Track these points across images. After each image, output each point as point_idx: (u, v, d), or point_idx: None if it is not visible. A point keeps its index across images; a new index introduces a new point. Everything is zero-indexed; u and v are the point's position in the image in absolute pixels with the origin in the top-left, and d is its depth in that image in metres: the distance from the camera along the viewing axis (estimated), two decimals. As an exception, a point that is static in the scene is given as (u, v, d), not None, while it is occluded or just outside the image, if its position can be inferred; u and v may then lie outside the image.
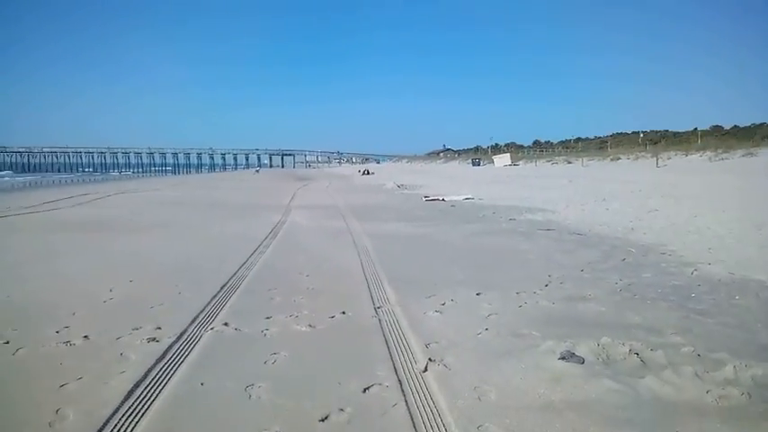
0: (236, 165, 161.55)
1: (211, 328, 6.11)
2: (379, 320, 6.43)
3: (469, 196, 25.78)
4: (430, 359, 5.05)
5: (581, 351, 4.92)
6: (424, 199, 25.66)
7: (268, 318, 6.48)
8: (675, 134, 76.59)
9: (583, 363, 4.71)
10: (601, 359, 4.80)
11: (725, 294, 7.35)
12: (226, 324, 6.24)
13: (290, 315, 6.61)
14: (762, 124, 63.65)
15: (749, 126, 65.60)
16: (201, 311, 6.78)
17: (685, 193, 21.92)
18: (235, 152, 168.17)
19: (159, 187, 41.17)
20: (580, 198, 23.05)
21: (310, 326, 6.19)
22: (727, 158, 44.51)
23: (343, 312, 6.70)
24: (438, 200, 24.98)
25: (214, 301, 7.26)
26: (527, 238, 13.10)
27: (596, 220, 16.09)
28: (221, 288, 8.00)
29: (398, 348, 5.44)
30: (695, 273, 8.82)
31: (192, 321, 6.38)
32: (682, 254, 10.53)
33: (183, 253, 11.22)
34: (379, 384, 4.55)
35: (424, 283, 8.28)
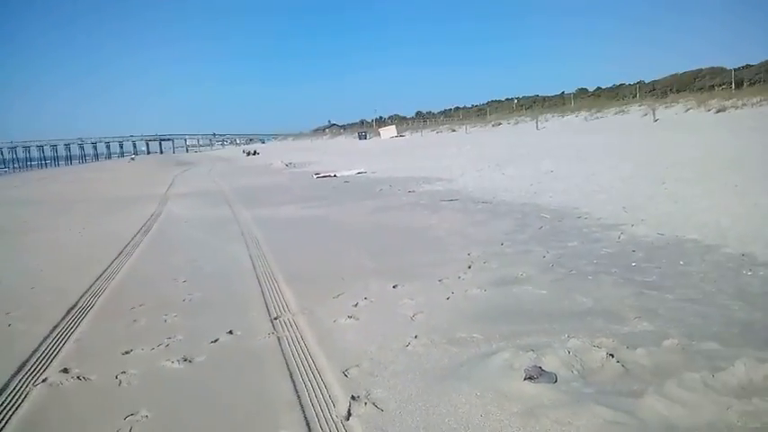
0: (110, 153, 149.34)
1: (44, 380, 4.37)
2: (278, 339, 4.98)
3: (362, 170, 24.54)
4: (353, 397, 3.68)
5: (548, 363, 3.76)
6: (314, 176, 24.10)
7: (126, 353, 4.82)
8: (545, 98, 79.57)
9: (556, 381, 3.55)
10: (576, 371, 3.67)
11: (667, 261, 6.57)
12: (65, 370, 4.52)
13: (157, 345, 4.99)
14: (621, 84, 67.20)
15: (612, 87, 69.09)
16: (34, 352, 4.98)
17: (575, 153, 21.96)
18: (107, 140, 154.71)
19: (15, 184, 36.44)
20: (474, 165, 22.50)
21: (185, 359, 4.61)
22: (601, 117, 46.33)
23: (230, 332, 5.17)
24: (330, 176, 23.53)
25: (54, 334, 5.46)
26: (432, 210, 12.03)
27: (497, 186, 15.42)
28: (68, 312, 6.15)
29: (307, 383, 4.04)
30: (622, 236, 8.08)
31: (19, 370, 4.60)
32: (598, 216, 9.86)
33: (24, 267, 9.02)
34: (286, 454, 3.13)
35: (329, 278, 6.89)
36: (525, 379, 3.55)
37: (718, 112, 32.58)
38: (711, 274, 5.85)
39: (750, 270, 5.86)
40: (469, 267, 6.96)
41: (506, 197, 13.19)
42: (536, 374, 3.57)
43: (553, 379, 3.56)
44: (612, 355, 3.84)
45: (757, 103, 30.48)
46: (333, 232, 10.57)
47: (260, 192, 19.52)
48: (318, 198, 16.06)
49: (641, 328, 4.52)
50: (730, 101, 32.95)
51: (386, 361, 4.28)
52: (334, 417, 3.49)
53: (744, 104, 31.39)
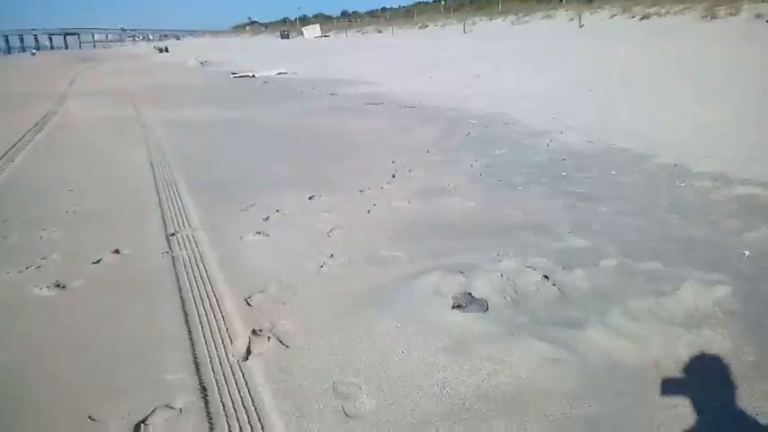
0: (9, 48, 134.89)
1: None
2: (173, 259, 4.32)
3: (283, 71, 23.10)
4: (254, 332, 3.14)
5: (478, 288, 3.33)
6: (231, 76, 22.51)
7: (-14, 278, 4.04)
8: (472, 1, 77.77)
9: (487, 309, 3.13)
10: (509, 297, 3.26)
11: (598, 170, 6.26)
12: None
13: (26, 267, 4.23)
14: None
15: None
16: None
17: (502, 58, 21.41)
18: (5, 33, 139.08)
19: None
20: (400, 68, 21.61)
21: (58, 285, 3.90)
22: (528, 21, 45.58)
23: (117, 251, 4.46)
24: (248, 76, 22.03)
25: None
26: (356, 114, 11.31)
27: (423, 90, 14.75)
28: None
29: (202, 314, 3.45)
30: (551, 144, 7.74)
31: None
32: (526, 122, 9.47)
33: None
34: (168, 407, 2.57)
35: (239, 188, 6.18)
36: (453, 308, 3.10)
37: (642, 19, 32.63)
38: (645, 186, 5.58)
39: (683, 182, 5.62)
40: (393, 177, 6.43)
41: (433, 102, 12.58)
42: (465, 302, 3.13)
43: (484, 307, 3.13)
44: (548, 278, 3.46)
45: (680, 11, 30.60)
46: (248, 137, 9.70)
47: (170, 92, 17.94)
48: (234, 99, 14.89)
49: (576, 245, 4.16)
50: (654, 8, 32.93)
51: (296, 285, 3.74)
52: (229, 357, 2.95)
53: (667, 12, 31.48)
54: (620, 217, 4.71)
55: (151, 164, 7.67)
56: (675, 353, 2.67)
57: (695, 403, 2.37)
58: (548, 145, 7.69)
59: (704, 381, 2.54)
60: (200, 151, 8.54)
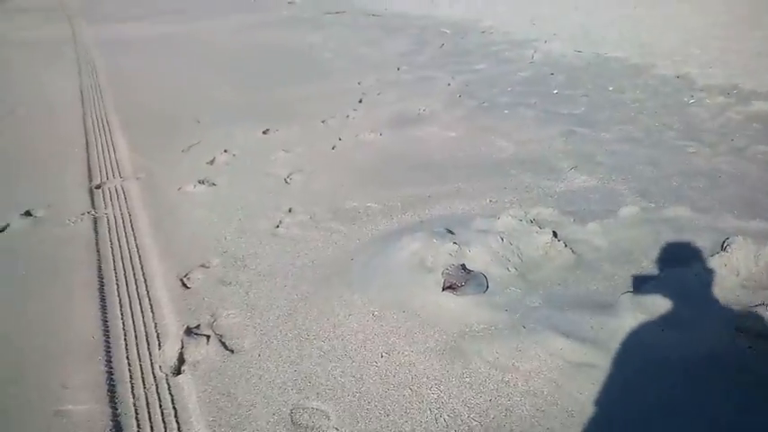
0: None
1: None
2: (95, 222, 3.52)
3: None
4: (189, 331, 2.43)
5: (474, 257, 2.63)
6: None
7: None
8: None
9: (486, 289, 2.45)
10: (513, 268, 2.59)
11: (592, 86, 5.50)
12: None
13: None
14: None
15: None
16: None
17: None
18: None
19: None
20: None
21: (-56, 266, 3.10)
22: None
23: (29, 213, 3.64)
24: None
25: None
26: (315, 26, 10.17)
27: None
28: None
29: (125, 305, 2.71)
30: (536, 55, 6.89)
31: None
32: (505, 30, 8.54)
33: None
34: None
35: (181, 122, 5.29)
36: (445, 288, 2.42)
37: None
38: (649, 104, 4.86)
39: (692, 97, 4.91)
40: (360, 102, 5.58)
41: (400, 8, 11.44)
42: (459, 280, 2.45)
43: (483, 285, 2.46)
44: (557, 236, 2.78)
45: None
46: (191, 56, 8.58)
47: (107, 2, 16.20)
48: (176, 11, 13.41)
49: (582, 184, 3.48)
50: None
51: (246, 256, 3.01)
52: (156, 372, 2.24)
53: None
54: (627, 146, 4.02)
55: (81, 91, 6.64)
56: (741, 356, 2.04)
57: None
58: (532, 57, 6.85)
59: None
60: (138, 74, 7.46)
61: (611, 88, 5.34)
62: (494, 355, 2.10)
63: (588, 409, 1.87)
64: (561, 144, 4.15)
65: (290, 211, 3.48)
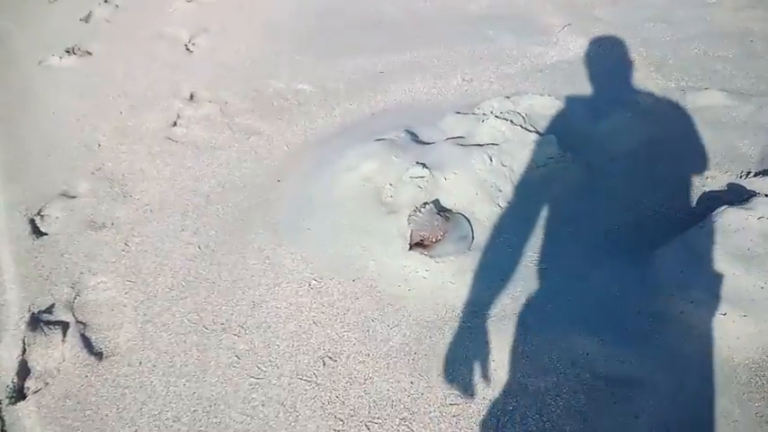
0: None
1: None
2: None
3: None
4: (35, 319, 1.63)
5: (452, 187, 1.84)
6: None
7: None
8: None
9: (473, 241, 1.70)
10: (506, 202, 1.81)
11: None
12: None
13: None
14: None
15: None
16: None
17: None
18: None
19: None
20: None
21: None
22: None
23: None
24: None
25: None
26: None
27: None
28: None
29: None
30: None
31: None
32: None
33: None
34: None
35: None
36: (413, 247, 1.65)
37: None
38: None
39: None
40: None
41: None
42: (432, 232, 1.67)
43: (467, 238, 1.70)
44: (563, 153, 1.99)
45: None
46: None
47: None
48: None
49: (578, 51, 2.63)
50: None
51: (127, 174, 2.14)
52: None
53: None
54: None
55: None
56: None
57: None
58: None
59: None
60: None
61: None
62: (505, 379, 1.41)
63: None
64: (547, -12, 3.19)
65: (191, 97, 2.54)
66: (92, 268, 1.78)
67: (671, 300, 1.47)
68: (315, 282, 1.66)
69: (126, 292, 1.70)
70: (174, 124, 2.39)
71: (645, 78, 2.41)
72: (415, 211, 1.70)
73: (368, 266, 1.66)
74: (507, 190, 1.81)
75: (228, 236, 1.86)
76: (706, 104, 2.21)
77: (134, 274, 1.76)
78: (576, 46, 2.69)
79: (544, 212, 1.79)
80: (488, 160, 1.83)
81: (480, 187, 1.78)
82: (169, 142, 2.28)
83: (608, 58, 2.58)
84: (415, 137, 2.07)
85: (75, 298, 1.70)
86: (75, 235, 1.90)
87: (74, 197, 2.05)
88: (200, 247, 1.82)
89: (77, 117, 2.45)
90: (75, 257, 1.82)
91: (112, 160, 2.20)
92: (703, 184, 1.90)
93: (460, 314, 1.53)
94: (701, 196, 1.86)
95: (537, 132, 1.99)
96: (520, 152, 1.90)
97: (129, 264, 1.79)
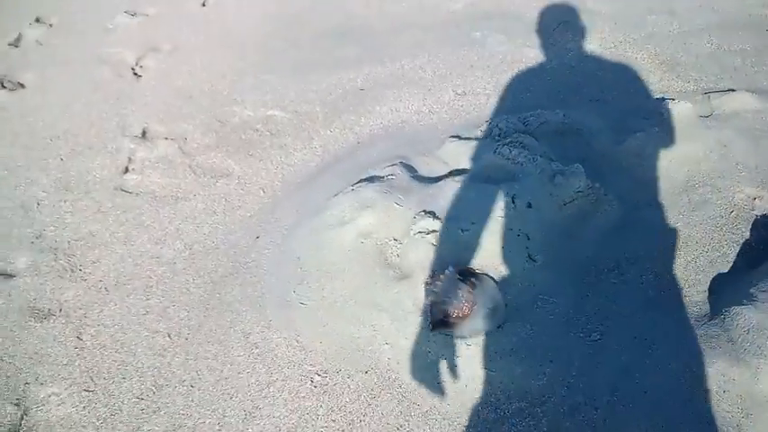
0: None
1: None
2: None
3: None
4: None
5: (466, 236, 1.54)
6: None
7: None
8: None
9: (503, 324, 1.40)
10: (534, 252, 1.52)
11: None
12: None
13: None
14: None
15: None
16: None
17: None
18: None
19: None
20: None
21: None
22: None
23: None
24: None
25: None
26: None
27: None
28: None
29: None
30: None
31: None
32: None
33: None
34: None
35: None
36: (435, 326, 1.35)
37: None
38: None
39: None
40: None
41: None
42: (457, 306, 1.36)
43: (499, 308, 1.40)
44: (593, 184, 1.70)
45: None
46: None
47: None
48: None
49: (578, 50, 2.35)
50: None
51: (73, 241, 1.79)
52: None
53: None
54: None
55: None
56: None
57: None
58: None
59: None
60: None
61: None
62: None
63: None
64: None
65: (143, 134, 2.18)
66: (39, 375, 1.44)
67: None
68: (318, 377, 1.35)
69: (84, 407, 1.37)
70: (126, 170, 2.03)
71: (659, 81, 2.15)
72: (432, 278, 1.40)
73: (382, 352, 1.36)
74: (537, 238, 1.52)
75: (204, 317, 1.53)
76: (734, 110, 1.95)
77: (92, 379, 1.42)
78: (576, 46, 2.42)
79: (582, 261, 1.51)
80: (511, 202, 1.54)
81: (505, 238, 1.49)
82: (122, 194, 1.93)
83: (614, 60, 2.30)
84: (413, 171, 1.77)
85: (21, 419, 1.36)
86: (17, 329, 1.56)
87: (12, 276, 1.70)
88: (170, 336, 1.50)
89: (9, 169, 2.07)
90: (19, 361, 1.48)
91: (55, 223, 1.85)
92: (752, 207, 1.65)
93: (509, 415, 1.24)
94: (753, 222, 1.61)
95: (556, 160, 1.70)
96: (542, 187, 1.61)
97: (85, 366, 1.45)
